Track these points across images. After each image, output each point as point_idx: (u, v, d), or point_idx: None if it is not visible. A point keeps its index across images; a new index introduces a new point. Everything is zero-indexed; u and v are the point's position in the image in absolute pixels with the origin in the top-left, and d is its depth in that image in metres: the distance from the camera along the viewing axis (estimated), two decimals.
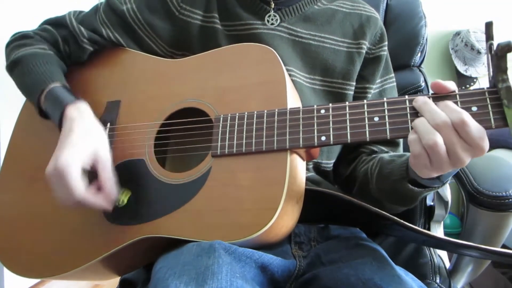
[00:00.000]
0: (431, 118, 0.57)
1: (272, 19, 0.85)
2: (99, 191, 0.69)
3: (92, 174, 0.70)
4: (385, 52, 0.90)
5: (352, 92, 0.88)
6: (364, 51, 0.88)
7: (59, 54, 0.87)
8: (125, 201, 0.72)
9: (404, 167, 0.71)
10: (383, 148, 0.89)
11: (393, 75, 0.94)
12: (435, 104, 0.58)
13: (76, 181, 0.66)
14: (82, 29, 0.86)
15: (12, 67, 0.85)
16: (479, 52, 2.32)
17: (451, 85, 0.59)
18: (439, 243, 0.80)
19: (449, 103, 0.57)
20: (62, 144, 0.70)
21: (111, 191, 0.70)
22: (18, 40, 0.88)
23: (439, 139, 0.56)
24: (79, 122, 0.73)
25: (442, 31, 2.47)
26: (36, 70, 0.81)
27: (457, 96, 0.59)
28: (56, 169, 0.66)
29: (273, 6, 0.85)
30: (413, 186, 0.69)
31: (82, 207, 0.68)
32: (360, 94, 0.89)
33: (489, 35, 0.59)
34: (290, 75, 0.81)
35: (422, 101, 0.59)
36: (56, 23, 0.90)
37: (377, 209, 0.68)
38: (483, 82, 2.42)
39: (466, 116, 0.55)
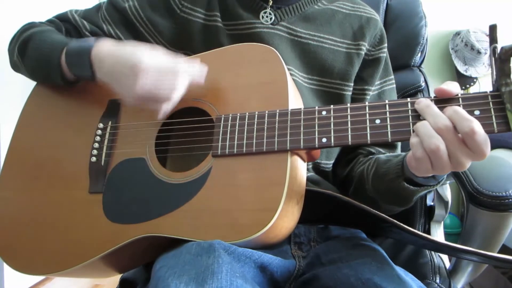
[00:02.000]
0: (434, 122, 0.57)
1: (267, 16, 0.85)
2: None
3: None
4: (384, 54, 0.90)
5: (350, 93, 0.88)
6: (363, 53, 0.88)
7: None
8: None
9: (399, 166, 0.71)
10: (380, 149, 0.89)
11: (392, 77, 0.94)
12: (440, 107, 0.58)
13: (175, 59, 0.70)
14: (85, 22, 0.88)
15: (24, 46, 0.84)
16: (479, 52, 2.31)
17: (455, 88, 0.59)
18: (438, 247, 0.80)
19: (459, 109, 0.56)
20: (130, 56, 0.71)
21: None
22: (24, 27, 0.89)
23: (441, 144, 0.55)
24: (121, 46, 0.74)
25: (442, 31, 2.47)
26: (50, 38, 0.82)
27: (460, 100, 0.58)
28: (144, 70, 0.68)
29: (270, 3, 0.85)
30: (408, 184, 0.69)
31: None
32: (358, 96, 0.89)
33: (493, 38, 0.59)
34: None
35: (425, 104, 0.59)
36: (59, 18, 0.91)
37: (376, 211, 0.68)
38: (483, 82, 2.42)
39: (477, 125, 0.54)
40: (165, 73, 0.69)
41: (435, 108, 0.58)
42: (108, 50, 0.74)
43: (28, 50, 0.84)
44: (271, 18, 0.85)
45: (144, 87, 0.69)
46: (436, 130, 0.56)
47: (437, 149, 0.55)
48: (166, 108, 0.72)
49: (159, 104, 0.71)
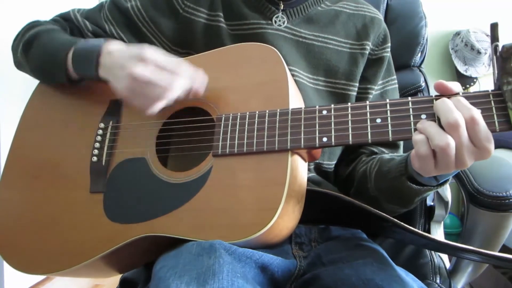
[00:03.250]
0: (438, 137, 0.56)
1: (280, 20, 0.85)
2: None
3: None
4: (387, 54, 0.90)
5: (355, 93, 0.88)
6: (367, 52, 0.88)
7: None
8: None
9: (403, 164, 0.71)
10: (383, 149, 0.89)
11: (395, 76, 0.94)
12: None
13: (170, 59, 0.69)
14: (87, 22, 0.88)
15: (29, 44, 0.84)
16: (479, 52, 2.32)
17: (456, 87, 0.59)
18: (439, 246, 0.80)
19: (461, 98, 0.56)
20: (126, 53, 0.70)
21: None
22: (30, 25, 0.88)
23: (451, 141, 0.55)
24: (126, 46, 0.74)
25: (442, 31, 2.47)
26: (57, 37, 0.82)
27: None
28: (145, 59, 0.67)
29: (282, 7, 0.86)
30: (411, 183, 0.69)
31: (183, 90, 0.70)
32: (361, 95, 0.89)
33: (494, 37, 0.59)
34: (293, 75, 0.81)
35: (428, 124, 0.58)
36: (62, 17, 0.91)
37: (377, 210, 0.68)
38: (483, 82, 2.42)
39: (477, 114, 0.54)
40: (165, 70, 0.68)
41: (436, 127, 0.57)
42: (117, 48, 0.74)
43: (34, 48, 0.83)
44: (284, 22, 0.86)
45: (141, 74, 0.67)
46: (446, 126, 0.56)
47: (447, 146, 0.55)
48: (156, 107, 0.69)
49: (150, 100, 0.69)
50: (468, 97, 0.58)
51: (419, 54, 1.16)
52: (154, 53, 0.69)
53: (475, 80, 2.42)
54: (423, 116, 0.59)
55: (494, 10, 2.34)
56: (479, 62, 2.37)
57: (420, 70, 1.16)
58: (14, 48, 0.89)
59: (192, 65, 0.73)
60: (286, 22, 0.86)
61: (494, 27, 0.59)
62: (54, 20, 0.91)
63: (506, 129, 0.55)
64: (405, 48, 1.15)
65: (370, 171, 0.80)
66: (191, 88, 0.71)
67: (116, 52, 0.73)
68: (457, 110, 0.55)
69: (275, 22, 0.85)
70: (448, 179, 0.68)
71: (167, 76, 0.68)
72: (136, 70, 0.67)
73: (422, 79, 1.13)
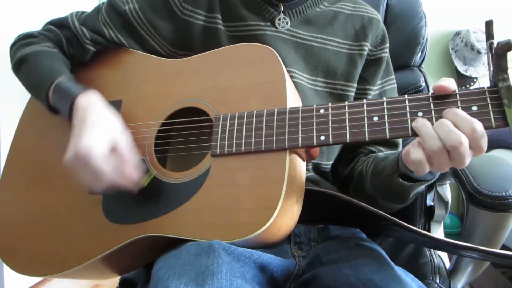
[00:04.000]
0: (429, 141, 0.57)
1: (282, 22, 0.85)
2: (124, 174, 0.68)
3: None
4: (386, 54, 0.90)
5: (353, 94, 0.88)
6: (365, 53, 0.88)
7: (63, 53, 0.87)
8: (146, 184, 0.71)
9: (395, 162, 0.71)
10: (381, 148, 0.89)
11: (393, 76, 0.94)
12: (439, 110, 0.58)
13: (103, 163, 0.65)
14: (85, 30, 0.87)
15: (18, 65, 0.85)
16: (479, 52, 2.31)
17: (452, 84, 0.59)
18: (438, 244, 0.80)
19: (459, 111, 0.56)
20: (79, 132, 0.69)
21: (133, 174, 0.68)
22: (23, 40, 0.88)
23: (441, 144, 0.55)
24: (92, 109, 0.72)
25: (442, 31, 2.47)
26: (42, 65, 0.81)
27: (457, 96, 0.58)
28: (78, 153, 0.65)
29: (282, 9, 0.86)
30: (403, 180, 0.70)
31: (109, 190, 0.67)
32: (360, 96, 0.89)
33: (489, 34, 0.59)
34: (292, 76, 0.81)
35: (421, 123, 0.58)
36: (59, 24, 0.90)
37: (376, 209, 0.68)
38: (483, 82, 2.42)
39: (478, 125, 0.54)
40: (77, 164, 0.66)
41: (430, 126, 0.57)
42: (83, 105, 0.73)
43: (22, 71, 0.85)
44: (287, 23, 0.86)
45: (68, 164, 0.67)
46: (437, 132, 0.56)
47: (438, 149, 0.55)
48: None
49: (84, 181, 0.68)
50: (464, 94, 0.58)
51: (419, 54, 1.16)
52: (87, 145, 0.66)
53: (475, 80, 2.41)
54: (420, 114, 0.59)
55: (494, 10, 2.34)
56: (479, 62, 2.37)
57: (420, 70, 1.16)
58: (11, 57, 0.89)
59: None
60: (289, 23, 0.86)
61: (489, 24, 0.59)
62: (48, 31, 0.90)
63: (502, 126, 0.55)
64: (405, 48, 1.15)
65: (366, 170, 0.80)
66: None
67: (80, 111, 0.73)
68: (436, 134, 0.56)
69: (279, 24, 0.85)
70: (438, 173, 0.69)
71: (89, 174, 0.66)
72: (67, 158, 0.67)
73: (422, 79, 1.13)
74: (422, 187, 0.72)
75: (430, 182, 0.71)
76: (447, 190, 0.99)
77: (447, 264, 0.94)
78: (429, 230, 1.01)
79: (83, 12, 0.92)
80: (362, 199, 0.72)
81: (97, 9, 0.90)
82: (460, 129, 0.55)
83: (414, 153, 0.58)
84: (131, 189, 0.69)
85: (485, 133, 0.55)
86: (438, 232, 1.01)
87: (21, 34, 0.90)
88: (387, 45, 0.91)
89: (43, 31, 0.90)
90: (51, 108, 0.81)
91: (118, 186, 0.68)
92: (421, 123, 0.58)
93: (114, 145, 0.68)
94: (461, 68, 2.40)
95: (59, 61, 0.84)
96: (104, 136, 0.68)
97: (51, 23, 0.92)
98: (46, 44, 0.86)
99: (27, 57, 0.83)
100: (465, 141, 0.54)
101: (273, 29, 0.85)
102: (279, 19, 0.85)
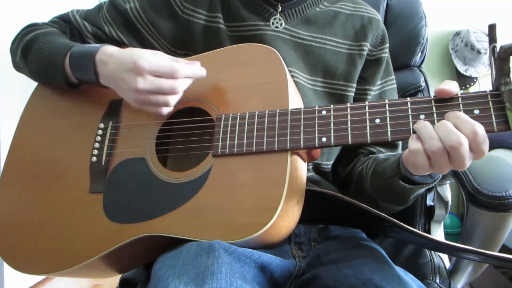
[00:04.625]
0: (429, 142, 0.56)
1: (277, 22, 0.85)
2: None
3: None
4: (386, 54, 0.90)
5: (353, 94, 0.88)
6: (365, 53, 0.88)
7: None
8: None
9: (396, 164, 0.71)
10: (381, 149, 0.89)
11: (393, 77, 0.94)
12: (440, 112, 0.58)
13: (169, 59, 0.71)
14: (86, 24, 0.87)
15: (28, 48, 0.84)
16: (479, 52, 2.31)
17: (454, 87, 0.59)
18: (438, 246, 0.80)
19: (461, 114, 0.56)
20: (124, 62, 0.71)
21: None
22: (28, 28, 0.89)
23: (442, 145, 0.55)
24: (123, 50, 0.74)
25: (442, 31, 2.47)
26: (53, 41, 0.82)
27: (460, 99, 0.58)
28: (141, 72, 0.68)
29: (280, 9, 0.86)
30: (404, 183, 0.69)
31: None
32: (360, 96, 0.89)
33: (492, 38, 0.59)
34: (292, 76, 0.81)
35: (422, 124, 0.58)
36: (61, 19, 0.91)
37: (376, 211, 0.68)
38: (483, 82, 2.42)
39: (479, 128, 0.54)
40: (164, 75, 0.69)
41: (431, 128, 0.57)
42: (111, 53, 0.74)
43: (32, 52, 0.83)
44: (281, 24, 0.86)
45: (143, 87, 0.69)
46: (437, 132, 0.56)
47: (438, 150, 0.55)
48: (167, 110, 0.72)
49: (158, 106, 0.71)
50: (466, 98, 0.58)
51: (419, 54, 1.16)
52: (147, 62, 0.69)
53: (475, 80, 2.41)
54: (422, 117, 0.59)
55: (494, 10, 2.34)
56: (479, 62, 2.37)
57: (420, 70, 1.16)
58: (13, 51, 0.89)
59: (186, 59, 0.74)
60: (283, 23, 0.86)
61: (492, 28, 0.59)
62: (52, 22, 0.91)
63: (504, 130, 0.55)
64: (405, 48, 1.15)
65: (367, 171, 0.80)
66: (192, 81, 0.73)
67: (110, 62, 0.73)
68: (437, 136, 0.56)
69: (273, 23, 0.85)
70: (439, 177, 0.69)
71: (168, 81, 0.69)
72: (137, 86, 0.69)
73: (422, 79, 1.13)
74: (422, 190, 0.72)
75: (430, 186, 0.71)
76: (447, 190, 0.99)
77: (447, 264, 0.94)
78: (429, 230, 1.01)
79: (83, 10, 0.92)
80: (362, 200, 0.72)
81: (99, 7, 0.91)
82: (461, 131, 0.55)
83: (412, 144, 0.58)
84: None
85: (486, 136, 0.55)
86: (438, 232, 1.01)
87: (24, 26, 0.90)
88: (387, 45, 0.91)
89: (47, 22, 0.91)
90: (67, 81, 0.80)
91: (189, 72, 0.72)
92: (422, 124, 0.58)
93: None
94: (461, 68, 2.40)
95: (68, 39, 0.85)
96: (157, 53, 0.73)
97: (53, 18, 0.92)
98: (53, 28, 0.88)
99: (36, 39, 0.84)
100: (465, 142, 0.54)
101: (273, 29, 0.85)
102: (274, 18, 0.85)
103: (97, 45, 0.77)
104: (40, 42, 0.82)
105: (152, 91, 0.69)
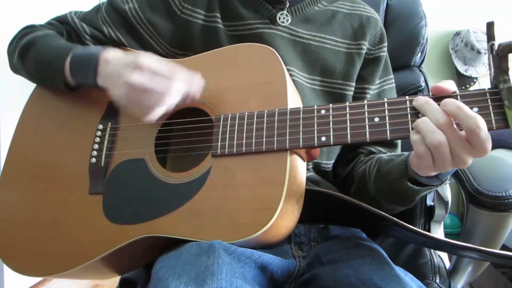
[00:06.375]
0: (434, 118, 0.56)
1: (284, 18, 0.85)
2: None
3: None
4: (384, 53, 0.90)
5: (352, 93, 0.88)
6: (364, 52, 0.88)
7: None
8: None
9: (403, 166, 0.71)
10: (381, 149, 0.89)
11: (392, 76, 0.94)
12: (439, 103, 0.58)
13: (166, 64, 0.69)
14: (84, 25, 0.87)
15: (26, 50, 0.84)
16: (479, 52, 2.31)
17: (451, 86, 0.59)
18: (438, 244, 0.80)
19: (462, 105, 0.55)
20: (124, 63, 0.71)
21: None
22: (25, 30, 0.89)
23: (443, 138, 0.55)
24: (126, 52, 0.74)
25: (442, 31, 2.47)
26: (53, 43, 0.82)
27: (458, 97, 0.58)
28: (141, 65, 0.68)
29: (288, 4, 0.86)
30: (412, 184, 0.69)
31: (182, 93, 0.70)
32: (359, 95, 0.89)
33: (490, 36, 0.59)
34: (290, 75, 0.81)
35: (424, 101, 0.59)
36: (59, 20, 0.91)
37: (376, 209, 0.68)
38: (483, 82, 2.42)
39: (481, 122, 0.54)
40: (162, 76, 0.68)
41: (434, 104, 0.57)
42: (116, 54, 0.74)
43: (31, 54, 0.83)
44: (287, 20, 0.86)
45: (137, 81, 0.67)
46: (437, 125, 0.56)
47: (439, 144, 0.55)
48: (155, 114, 0.70)
49: (147, 107, 0.69)
50: (465, 96, 0.58)
51: (419, 54, 1.16)
52: (149, 59, 0.69)
53: (475, 80, 2.41)
54: (421, 115, 0.59)
55: (494, 10, 2.34)
56: (479, 62, 2.37)
57: (420, 70, 1.16)
58: (10, 53, 0.89)
59: (188, 69, 0.73)
60: (289, 20, 0.86)
61: (490, 26, 0.59)
62: (50, 24, 0.91)
63: (503, 127, 0.55)
64: (405, 48, 1.15)
65: (370, 172, 0.80)
66: (188, 92, 0.71)
67: (113, 60, 0.73)
68: (438, 130, 0.56)
69: (279, 19, 0.85)
70: (447, 178, 0.68)
71: (164, 82, 0.68)
72: (132, 78, 0.68)
73: (422, 79, 1.13)
74: (430, 192, 0.71)
75: (437, 187, 0.70)
76: (447, 190, 0.99)
77: (447, 264, 0.94)
78: (429, 230, 1.01)
79: (81, 11, 0.92)
80: (364, 200, 0.72)
81: (97, 8, 0.91)
82: (462, 123, 0.55)
83: (412, 136, 0.58)
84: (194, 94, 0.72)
85: (488, 133, 0.54)
86: (438, 232, 1.01)
87: (21, 28, 0.90)
88: (386, 44, 0.91)
89: (44, 24, 0.91)
90: (66, 84, 0.80)
91: (186, 91, 0.71)
92: (420, 120, 0.58)
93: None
94: (461, 68, 2.40)
95: (67, 41, 0.84)
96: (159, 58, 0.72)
97: (50, 20, 0.92)
98: (51, 30, 0.87)
99: (35, 41, 0.83)
100: (482, 124, 0.54)
101: (272, 27, 0.85)
102: (282, 14, 0.85)
103: (100, 48, 0.77)
104: (39, 45, 0.82)
105: (145, 88, 0.68)
